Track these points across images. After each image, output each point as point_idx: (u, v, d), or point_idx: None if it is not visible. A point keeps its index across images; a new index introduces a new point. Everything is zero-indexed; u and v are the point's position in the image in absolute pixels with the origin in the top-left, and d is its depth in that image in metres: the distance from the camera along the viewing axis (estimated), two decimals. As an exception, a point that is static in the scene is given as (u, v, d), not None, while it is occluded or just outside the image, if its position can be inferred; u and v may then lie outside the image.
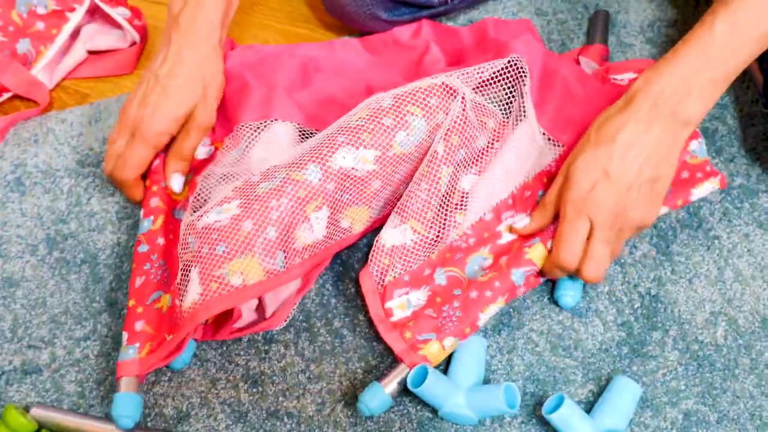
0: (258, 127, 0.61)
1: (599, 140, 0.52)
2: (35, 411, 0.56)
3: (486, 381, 0.56)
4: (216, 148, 0.63)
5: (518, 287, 0.55)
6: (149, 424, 0.56)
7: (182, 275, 0.54)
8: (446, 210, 0.58)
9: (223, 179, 0.60)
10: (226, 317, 0.57)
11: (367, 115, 0.57)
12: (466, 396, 0.53)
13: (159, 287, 0.56)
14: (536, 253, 0.55)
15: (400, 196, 0.59)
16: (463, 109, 0.58)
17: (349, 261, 0.62)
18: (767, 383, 0.55)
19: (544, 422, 0.55)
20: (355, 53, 0.70)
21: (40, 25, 0.72)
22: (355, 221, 0.58)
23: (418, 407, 0.56)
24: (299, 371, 0.58)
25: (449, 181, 0.58)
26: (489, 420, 0.55)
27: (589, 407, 0.55)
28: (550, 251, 0.55)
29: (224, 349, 0.59)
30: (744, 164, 0.64)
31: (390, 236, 0.57)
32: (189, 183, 0.62)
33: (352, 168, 0.56)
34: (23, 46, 0.72)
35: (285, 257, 0.54)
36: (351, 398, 0.56)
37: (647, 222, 0.53)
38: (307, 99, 0.64)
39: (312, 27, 0.76)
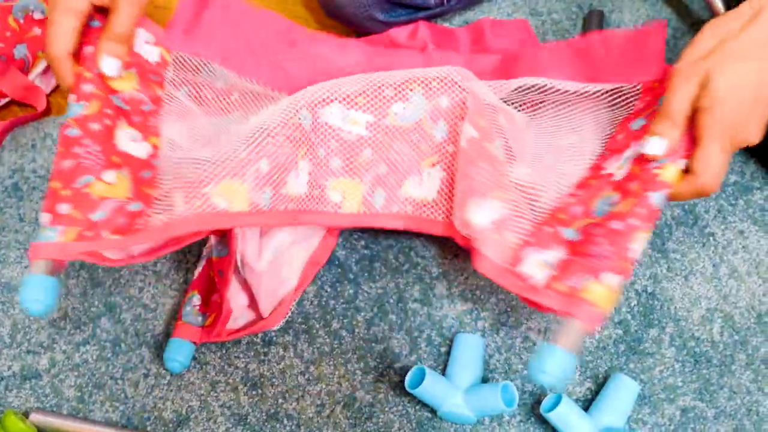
0: (242, 84, 0.58)
1: (744, 55, 0.47)
2: (34, 416, 0.56)
3: (484, 380, 0.57)
4: (162, 56, 0.58)
5: (658, 212, 0.48)
6: (149, 428, 0.56)
7: (164, 198, 0.52)
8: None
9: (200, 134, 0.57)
10: (219, 317, 0.57)
11: (367, 82, 0.57)
12: (465, 396, 0.53)
13: (90, 172, 0.51)
14: (669, 173, 0.49)
15: (399, 182, 0.56)
16: (476, 98, 0.56)
17: (347, 262, 0.62)
18: (763, 378, 0.56)
19: (543, 420, 0.55)
20: (351, 53, 0.70)
21: (36, 31, 0.72)
22: (347, 196, 0.56)
23: (417, 407, 0.56)
24: (298, 373, 0.58)
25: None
26: (488, 419, 0.55)
27: (587, 405, 0.55)
28: (685, 171, 0.49)
29: (223, 352, 0.59)
30: (738, 161, 0.64)
31: (482, 216, 0.50)
32: (139, 80, 0.56)
33: (339, 128, 0.55)
34: (20, 51, 0.72)
35: (272, 196, 0.52)
36: (350, 399, 0.57)
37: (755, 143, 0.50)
38: (294, 63, 0.61)
39: (309, 29, 0.76)
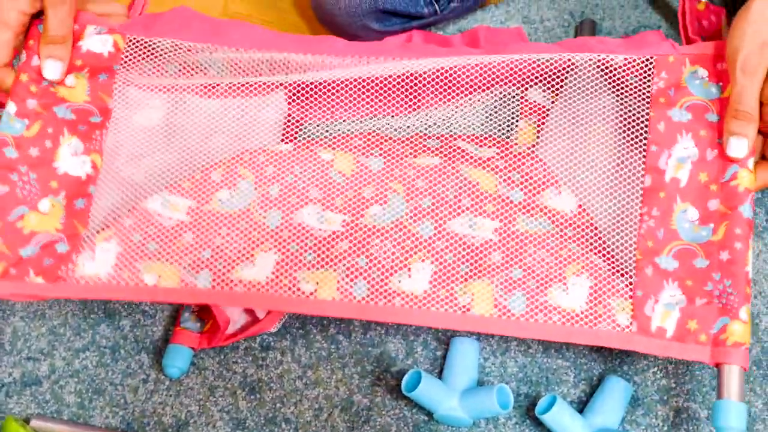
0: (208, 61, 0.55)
1: None
2: (35, 422, 0.57)
3: (480, 383, 0.57)
4: (115, 43, 0.56)
5: (752, 221, 0.48)
6: (148, 433, 0.57)
7: (94, 229, 0.52)
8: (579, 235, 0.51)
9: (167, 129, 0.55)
10: (217, 325, 0.57)
11: (350, 176, 0.53)
12: (461, 398, 0.54)
13: (24, 203, 0.50)
14: (746, 179, 0.48)
15: (385, 277, 0.51)
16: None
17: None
18: (755, 380, 0.56)
19: (538, 423, 0.55)
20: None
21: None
22: (321, 286, 0.50)
23: (414, 411, 0.57)
24: (296, 377, 0.58)
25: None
26: (484, 421, 0.56)
27: (582, 407, 0.56)
28: (757, 164, 0.49)
29: (222, 357, 0.60)
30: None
31: (573, 300, 0.49)
32: (90, 88, 0.55)
33: (315, 227, 0.52)
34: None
35: (213, 279, 0.51)
36: (347, 403, 0.57)
37: None
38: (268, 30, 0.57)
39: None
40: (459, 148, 0.56)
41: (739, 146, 0.48)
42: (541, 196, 0.53)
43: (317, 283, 0.50)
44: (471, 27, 0.72)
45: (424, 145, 0.57)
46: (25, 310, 0.63)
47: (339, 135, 0.57)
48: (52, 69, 0.54)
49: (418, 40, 0.70)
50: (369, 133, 0.57)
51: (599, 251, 0.51)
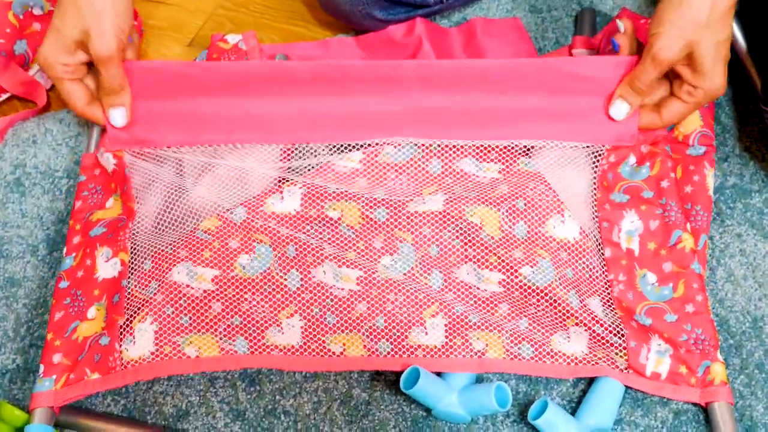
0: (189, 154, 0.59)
1: (714, 26, 0.52)
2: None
3: (479, 380, 0.57)
4: (119, 158, 0.61)
5: (703, 276, 0.56)
6: (149, 422, 0.58)
7: (129, 315, 0.55)
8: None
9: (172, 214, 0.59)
10: None
11: (359, 230, 0.56)
12: (459, 395, 0.54)
13: (76, 318, 0.57)
14: (689, 242, 0.56)
15: (403, 334, 0.55)
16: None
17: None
18: (756, 383, 0.56)
19: (536, 421, 0.55)
20: (349, 51, 0.70)
21: (36, 26, 0.73)
22: (348, 346, 0.55)
23: (412, 406, 0.57)
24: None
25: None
26: (482, 419, 0.56)
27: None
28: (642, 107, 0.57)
29: (222, 348, 0.60)
30: (737, 164, 0.64)
31: (575, 347, 0.54)
32: (122, 204, 0.60)
33: (333, 285, 0.55)
34: (20, 47, 0.72)
35: (249, 345, 0.55)
36: (346, 397, 0.57)
37: None
38: (240, 110, 0.59)
39: (307, 25, 0.76)
40: (462, 173, 0.58)
41: (622, 110, 0.58)
42: (545, 226, 0.56)
43: (344, 345, 0.55)
44: (476, 16, 0.71)
45: (427, 171, 0.59)
46: (28, 297, 0.63)
47: (338, 172, 0.58)
48: (117, 116, 0.59)
49: (420, 29, 0.68)
50: (370, 163, 0.59)
51: (598, 304, 0.56)
